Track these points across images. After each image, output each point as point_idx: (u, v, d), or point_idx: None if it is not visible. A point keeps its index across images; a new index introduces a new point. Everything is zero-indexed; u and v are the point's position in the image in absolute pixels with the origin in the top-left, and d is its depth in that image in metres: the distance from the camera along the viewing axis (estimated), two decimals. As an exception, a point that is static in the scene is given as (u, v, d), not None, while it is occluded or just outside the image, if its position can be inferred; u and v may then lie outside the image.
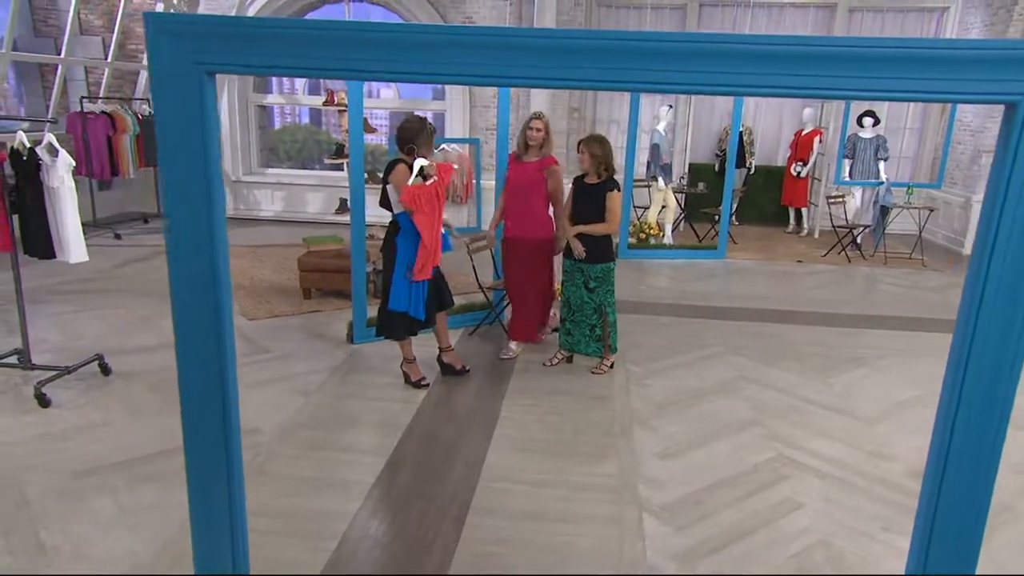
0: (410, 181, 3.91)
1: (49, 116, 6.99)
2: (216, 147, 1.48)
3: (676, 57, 1.30)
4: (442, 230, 4.16)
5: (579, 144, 4.46)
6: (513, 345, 4.85)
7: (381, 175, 8.09)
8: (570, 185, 4.61)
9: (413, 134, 4.09)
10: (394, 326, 4.21)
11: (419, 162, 3.95)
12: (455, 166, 4.29)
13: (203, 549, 1.82)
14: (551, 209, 4.70)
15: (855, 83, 1.30)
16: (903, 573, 1.73)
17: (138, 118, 8.92)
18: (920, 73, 1.29)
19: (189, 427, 1.75)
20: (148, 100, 9.48)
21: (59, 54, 8.88)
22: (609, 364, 4.62)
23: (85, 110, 8.35)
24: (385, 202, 4.18)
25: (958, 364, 1.55)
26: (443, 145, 7.23)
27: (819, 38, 1.38)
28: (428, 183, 3.93)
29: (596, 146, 4.35)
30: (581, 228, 4.40)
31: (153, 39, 1.39)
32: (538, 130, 4.54)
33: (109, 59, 9.32)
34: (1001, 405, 1.52)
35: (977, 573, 1.64)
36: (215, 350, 1.61)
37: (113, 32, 9.26)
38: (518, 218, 4.67)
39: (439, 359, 4.50)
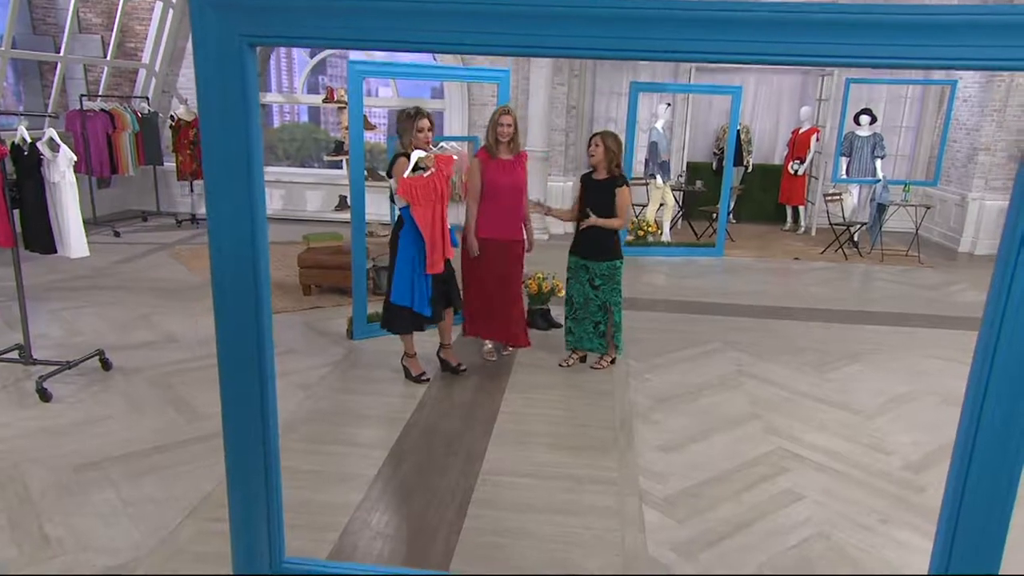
0: (405, 173, 3.91)
1: (48, 112, 6.99)
2: (257, 118, 1.49)
3: (683, 25, 1.30)
4: (449, 224, 4.13)
5: (594, 136, 4.37)
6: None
7: (382, 172, 8.07)
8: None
9: (398, 124, 4.13)
10: (395, 320, 4.22)
11: (416, 154, 3.94)
12: (455, 156, 4.23)
13: (241, 548, 1.82)
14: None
15: (883, 51, 1.28)
16: (927, 572, 1.74)
17: (137, 116, 8.93)
18: (948, 40, 1.27)
19: (230, 428, 1.74)
20: (147, 99, 9.49)
21: (58, 52, 8.88)
22: (610, 360, 4.62)
23: (84, 108, 8.36)
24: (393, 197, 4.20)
25: (984, 359, 1.54)
26: (442, 143, 7.27)
27: (850, 5, 1.34)
28: (426, 175, 3.92)
29: (612, 140, 4.32)
30: (592, 221, 4.34)
31: (196, 10, 1.40)
32: (508, 125, 4.34)
33: (108, 57, 9.32)
34: None
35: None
36: (253, 311, 1.60)
37: (112, 30, 9.27)
38: (508, 218, 4.44)
39: (438, 354, 4.52)
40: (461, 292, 4.57)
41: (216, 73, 1.44)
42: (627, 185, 4.39)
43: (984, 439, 1.57)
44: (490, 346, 4.77)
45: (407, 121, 4.10)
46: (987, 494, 1.60)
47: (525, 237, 4.57)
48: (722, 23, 1.28)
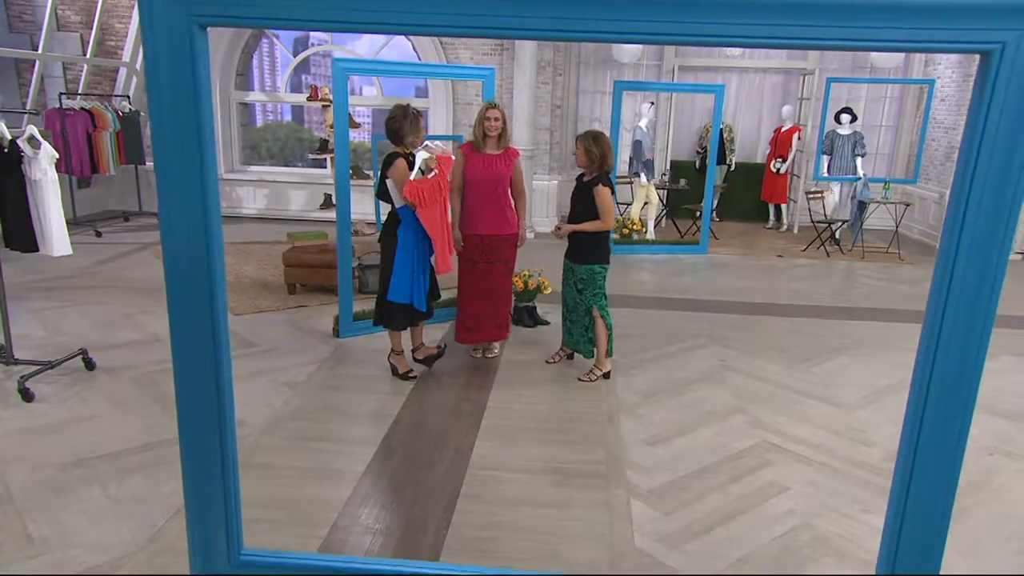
0: (412, 176, 3.91)
1: (28, 110, 6.90)
2: (208, 104, 1.44)
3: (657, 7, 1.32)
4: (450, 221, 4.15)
5: (577, 137, 4.33)
6: (496, 344, 4.83)
7: (367, 171, 8.05)
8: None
9: (397, 124, 4.10)
10: (394, 317, 4.22)
11: (420, 155, 3.94)
12: (453, 156, 4.23)
13: (198, 540, 1.79)
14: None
15: (833, 32, 1.31)
16: (874, 573, 1.80)
17: (118, 115, 8.84)
18: (897, 23, 1.30)
19: (184, 420, 1.71)
20: (128, 97, 9.39)
21: (36, 50, 8.77)
22: (601, 372, 4.39)
23: (64, 106, 8.26)
24: (384, 194, 4.18)
25: (924, 369, 1.59)
26: (427, 142, 7.30)
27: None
28: (430, 176, 3.92)
29: (591, 141, 4.20)
30: (572, 227, 4.31)
31: None
32: (496, 119, 4.30)
33: (88, 55, 9.22)
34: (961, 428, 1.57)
35: (952, 552, 1.71)
36: (206, 296, 1.58)
37: (92, 28, 9.16)
38: (484, 213, 4.42)
39: (415, 358, 4.48)
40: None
41: (166, 57, 1.38)
42: (604, 184, 4.23)
43: (925, 448, 1.64)
44: (496, 344, 4.79)
45: (413, 120, 4.09)
46: (928, 500, 1.67)
47: (518, 231, 4.53)
48: (705, 6, 1.31)
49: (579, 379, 4.41)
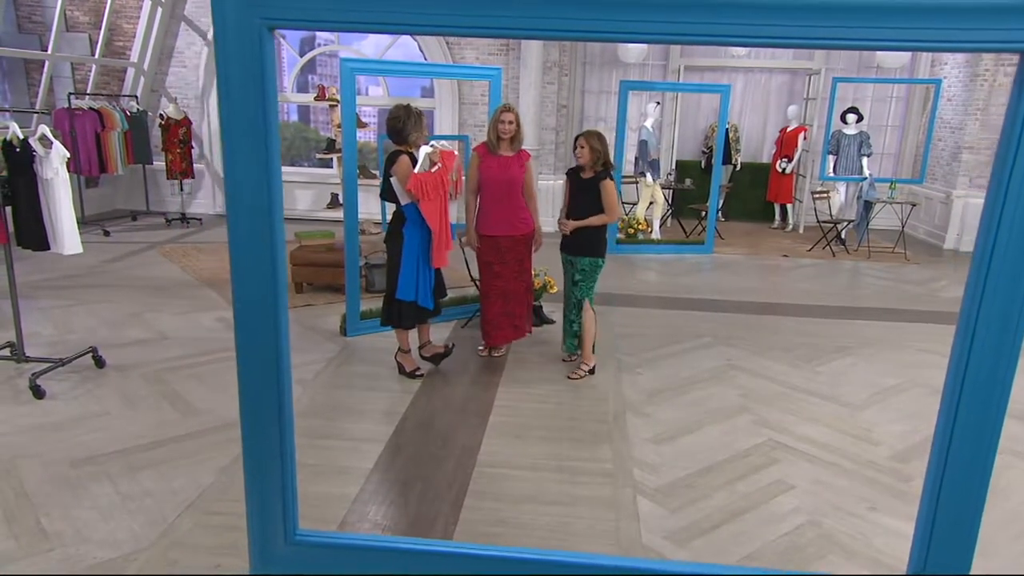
0: (416, 169, 3.95)
1: (38, 110, 6.96)
2: (275, 100, 1.50)
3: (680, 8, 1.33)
4: (451, 219, 4.18)
5: (578, 137, 4.36)
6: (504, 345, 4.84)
7: (373, 170, 8.08)
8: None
9: (401, 124, 4.13)
10: (404, 315, 4.25)
11: (424, 150, 3.98)
12: (456, 152, 4.27)
13: (256, 520, 1.84)
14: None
15: (872, 33, 1.32)
16: (904, 572, 1.81)
17: (126, 115, 8.89)
18: (934, 23, 1.31)
19: (246, 407, 1.77)
20: (136, 97, 9.45)
21: (45, 51, 8.82)
22: (588, 368, 4.44)
23: (72, 106, 8.31)
24: (389, 194, 4.20)
25: (958, 368, 1.59)
26: (432, 142, 7.30)
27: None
28: (433, 170, 3.97)
29: (596, 140, 4.28)
30: (578, 223, 4.33)
31: None
32: (510, 122, 4.34)
33: (96, 56, 9.27)
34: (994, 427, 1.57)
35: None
36: (270, 271, 1.64)
37: (100, 29, 9.22)
38: (508, 214, 4.46)
39: (422, 355, 4.51)
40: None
41: (236, 57, 1.45)
42: (611, 178, 4.31)
43: (957, 449, 1.64)
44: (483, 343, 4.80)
45: (416, 119, 4.15)
46: (959, 501, 1.68)
47: (534, 231, 4.55)
48: (712, 6, 1.32)
49: (568, 377, 4.43)
